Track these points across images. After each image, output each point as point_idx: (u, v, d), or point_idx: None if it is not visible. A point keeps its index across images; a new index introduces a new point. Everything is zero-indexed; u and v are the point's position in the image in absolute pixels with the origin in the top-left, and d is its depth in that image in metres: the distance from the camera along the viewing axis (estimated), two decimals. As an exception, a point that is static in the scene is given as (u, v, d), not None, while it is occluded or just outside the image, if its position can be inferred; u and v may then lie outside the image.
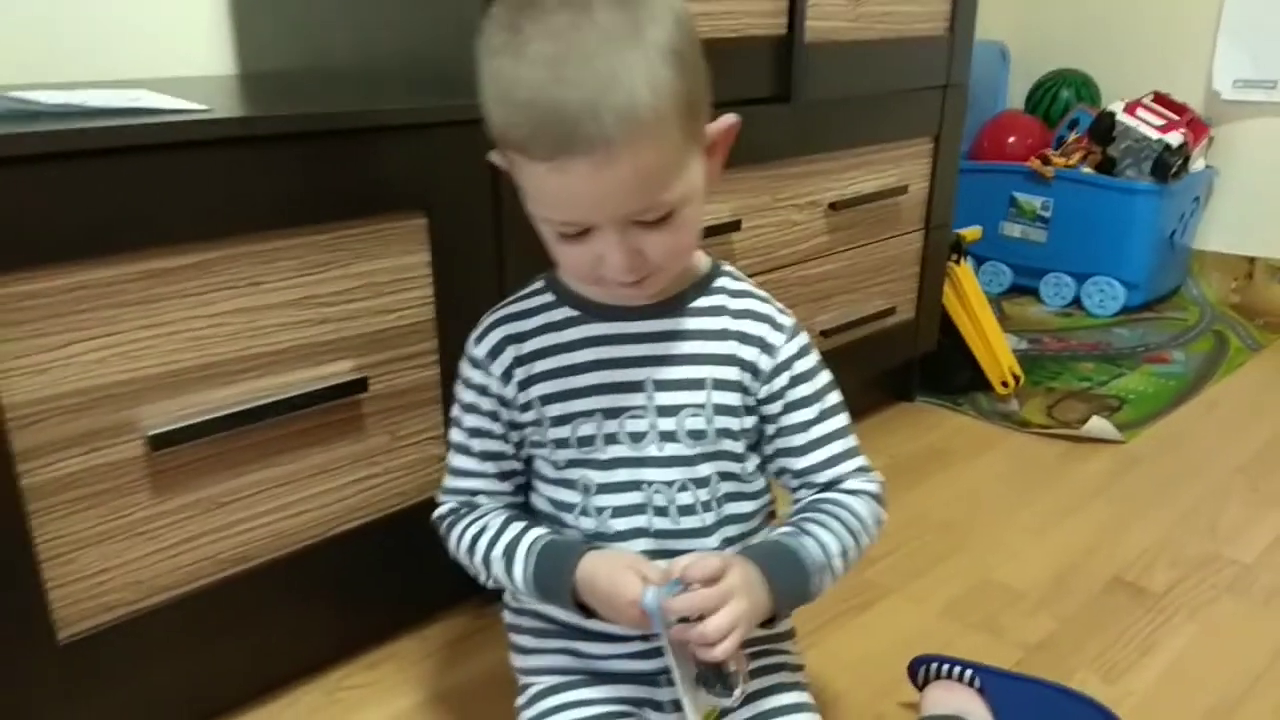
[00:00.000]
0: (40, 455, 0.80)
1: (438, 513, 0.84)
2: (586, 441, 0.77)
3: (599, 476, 0.78)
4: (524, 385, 0.78)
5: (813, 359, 0.80)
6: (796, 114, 1.32)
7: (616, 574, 0.71)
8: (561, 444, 0.78)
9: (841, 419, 0.81)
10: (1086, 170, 2.30)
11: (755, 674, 0.82)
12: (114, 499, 0.85)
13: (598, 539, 0.78)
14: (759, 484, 0.82)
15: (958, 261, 1.78)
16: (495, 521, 0.80)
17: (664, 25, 0.63)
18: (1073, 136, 2.38)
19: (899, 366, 1.76)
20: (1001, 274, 2.48)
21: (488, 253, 1.04)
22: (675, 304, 0.78)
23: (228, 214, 0.85)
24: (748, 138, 0.74)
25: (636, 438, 0.77)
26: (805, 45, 1.29)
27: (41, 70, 1.17)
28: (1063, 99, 2.53)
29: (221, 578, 0.94)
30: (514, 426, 0.80)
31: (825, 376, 0.81)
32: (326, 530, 1.01)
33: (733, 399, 0.78)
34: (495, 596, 1.06)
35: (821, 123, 1.38)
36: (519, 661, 0.87)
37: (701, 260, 0.81)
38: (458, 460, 0.83)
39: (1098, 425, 1.65)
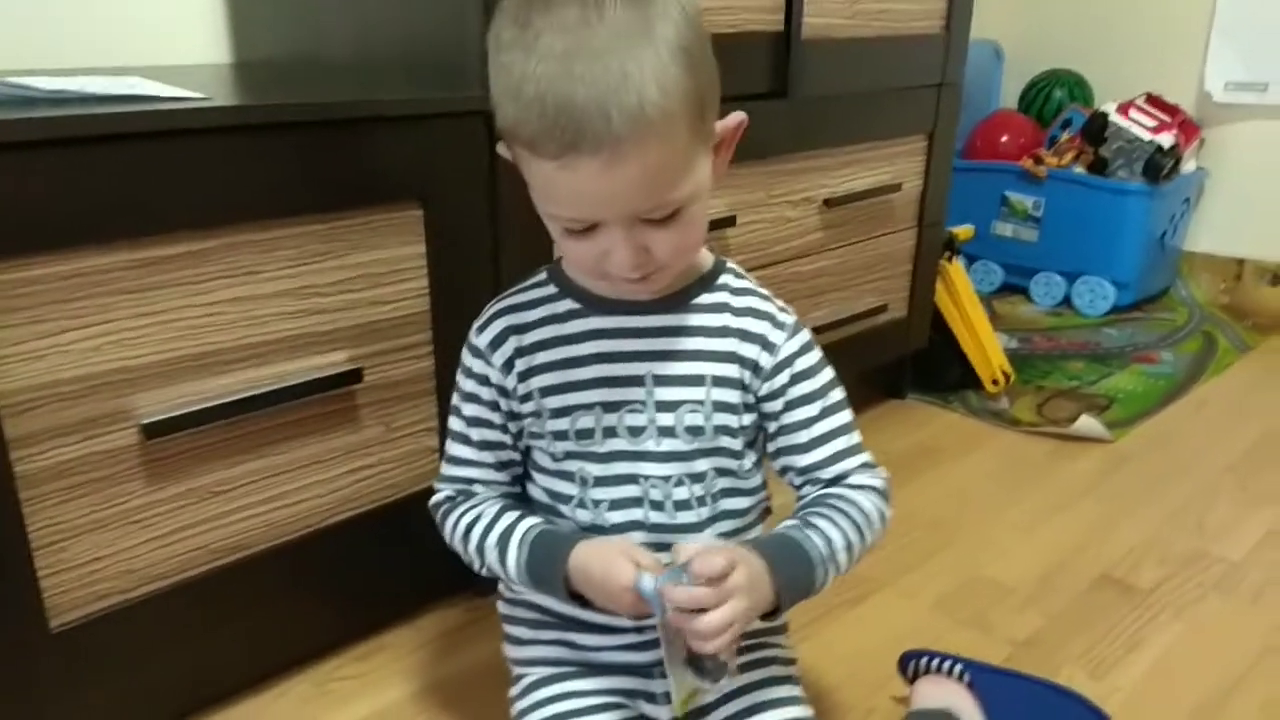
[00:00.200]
0: (34, 443, 0.80)
1: (434, 500, 0.85)
2: (585, 434, 0.78)
3: (596, 469, 0.78)
4: (524, 376, 0.78)
5: (814, 356, 0.80)
6: (792, 110, 1.32)
7: (610, 560, 0.71)
8: (560, 436, 0.78)
9: (844, 415, 0.81)
10: (1078, 170, 2.31)
11: (746, 668, 0.83)
12: (108, 487, 0.85)
13: (594, 531, 0.78)
14: (755, 481, 0.83)
15: (950, 260, 1.79)
16: (490, 510, 0.80)
17: (674, 22, 0.63)
18: (1065, 136, 2.39)
19: (890, 364, 1.76)
20: (992, 273, 2.49)
21: (484, 244, 1.04)
22: (678, 300, 0.78)
23: (224, 203, 0.85)
24: (744, 133, 0.74)
25: (635, 432, 0.77)
26: (802, 41, 1.29)
27: (37, 57, 1.17)
28: (1056, 99, 2.54)
29: (214, 567, 0.94)
30: (513, 417, 0.80)
31: (828, 373, 0.81)
32: (320, 521, 1.01)
33: (732, 396, 0.78)
34: (489, 588, 1.06)
35: (817, 119, 1.38)
36: (513, 652, 0.87)
37: (705, 256, 0.81)
38: (456, 449, 0.83)
39: (1087, 424, 1.66)
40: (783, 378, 0.78)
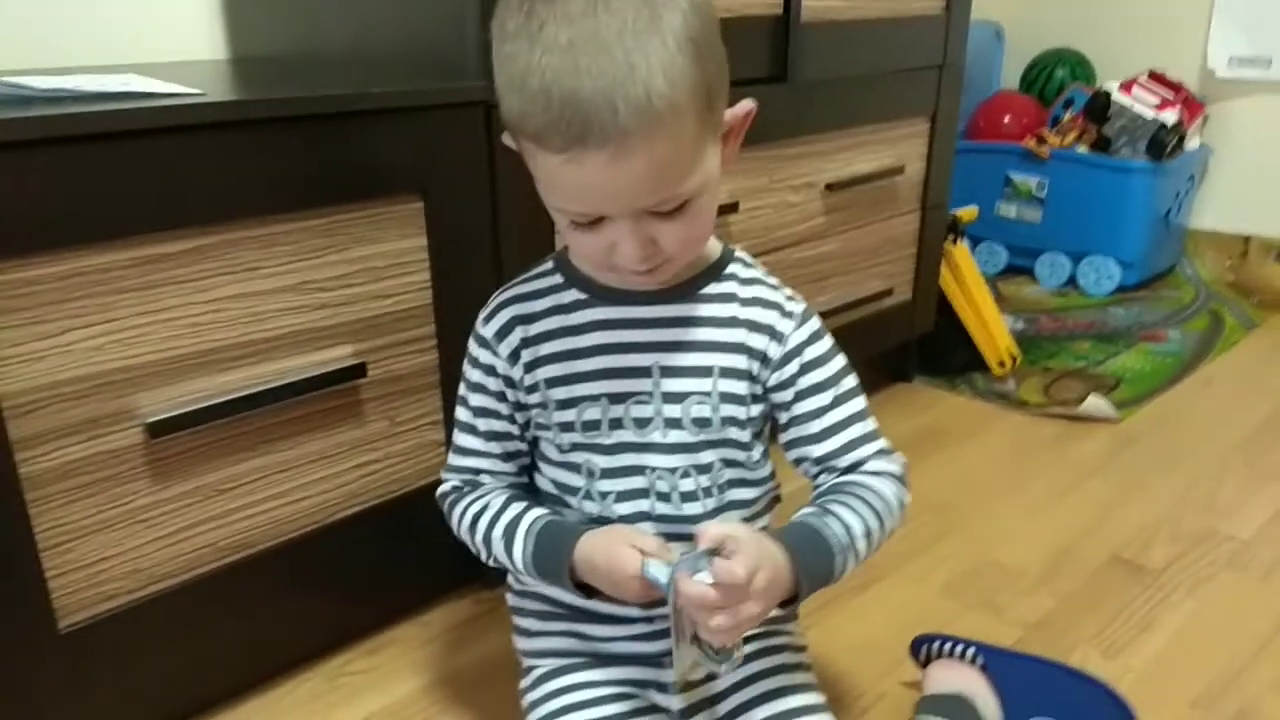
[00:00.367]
0: (38, 444, 0.79)
1: (441, 490, 0.84)
2: (591, 426, 0.77)
3: (603, 461, 0.78)
4: (530, 367, 0.78)
5: (825, 344, 0.79)
6: (793, 94, 1.31)
7: (614, 550, 0.71)
8: (566, 427, 0.78)
9: (858, 403, 0.80)
10: (1082, 149, 2.30)
11: (757, 655, 0.83)
12: (113, 487, 0.85)
13: (601, 523, 0.78)
14: (764, 471, 0.82)
15: (954, 242, 1.78)
16: (496, 501, 0.80)
17: (682, 11, 0.62)
18: (1068, 116, 2.37)
19: (896, 348, 1.76)
20: (997, 254, 2.47)
21: (485, 236, 1.03)
22: (686, 290, 0.77)
23: (223, 199, 0.85)
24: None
25: (641, 423, 0.77)
26: (801, 25, 1.28)
27: (32, 56, 1.16)
28: (1058, 78, 2.52)
29: (221, 565, 0.94)
30: (520, 407, 0.80)
31: (839, 361, 0.80)
32: (326, 517, 1.00)
33: (740, 387, 0.77)
34: (497, 580, 1.06)
35: (818, 103, 1.37)
36: (523, 644, 0.87)
37: (713, 245, 0.80)
38: (463, 439, 0.82)
39: (1094, 404, 1.66)
40: (792, 367, 0.78)
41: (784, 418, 0.80)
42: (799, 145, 1.38)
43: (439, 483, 0.85)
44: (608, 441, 0.77)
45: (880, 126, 1.50)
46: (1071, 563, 1.24)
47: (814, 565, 0.72)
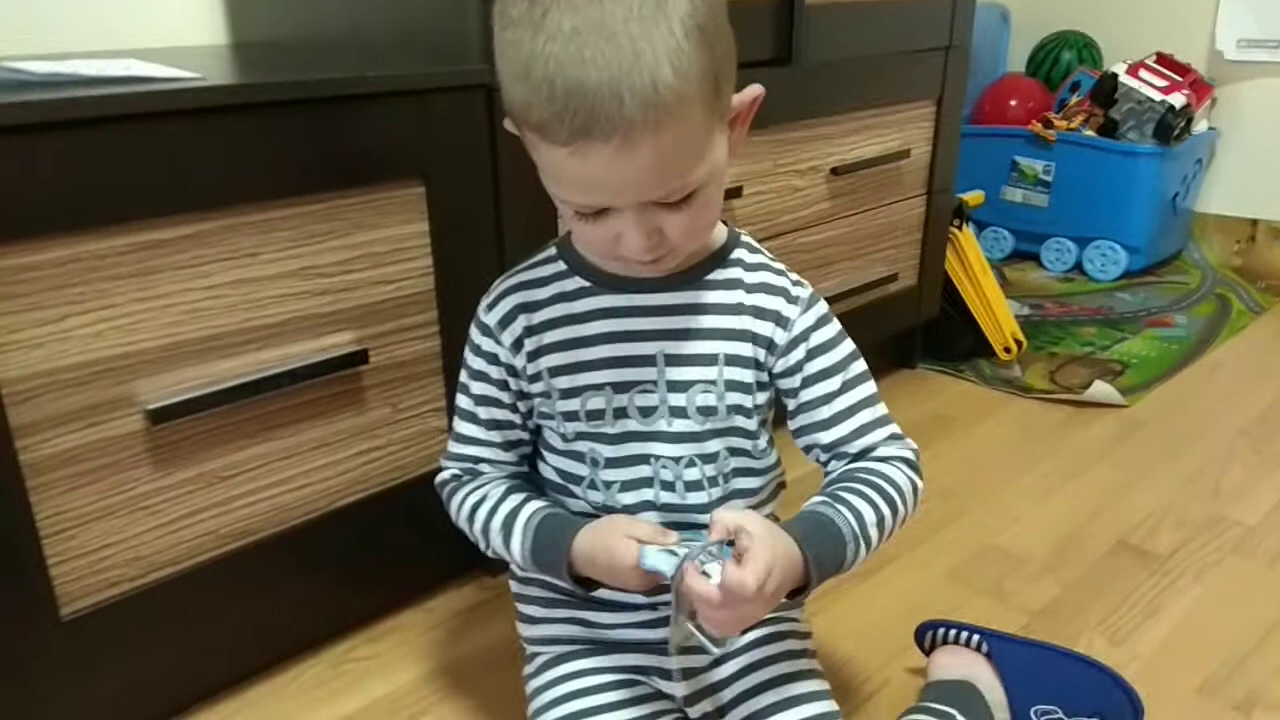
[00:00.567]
0: (38, 431, 0.79)
1: (440, 478, 0.84)
2: (595, 415, 0.76)
3: (607, 450, 0.77)
4: (533, 356, 0.77)
5: (832, 329, 0.78)
6: (798, 76, 1.30)
7: (611, 543, 0.70)
8: (570, 417, 0.77)
9: (867, 388, 0.79)
10: (1088, 133, 2.28)
11: (762, 641, 0.82)
12: (114, 474, 0.84)
13: (605, 512, 0.77)
14: (769, 459, 0.81)
15: (960, 227, 1.77)
16: (496, 491, 0.80)
17: None
18: (1074, 99, 2.36)
19: (901, 333, 1.75)
20: (1003, 239, 2.46)
21: (488, 221, 1.03)
22: (690, 277, 0.76)
23: (223, 184, 0.84)
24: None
25: (646, 412, 0.76)
26: (806, 6, 1.27)
27: (32, 41, 1.15)
28: (1064, 61, 2.50)
29: (223, 552, 0.93)
30: (523, 396, 0.79)
31: (847, 346, 0.79)
32: (329, 504, 1.00)
33: (745, 375, 0.76)
34: (500, 567, 1.06)
35: (823, 85, 1.36)
36: (526, 631, 0.87)
37: (719, 230, 0.78)
38: (463, 427, 0.82)
39: (1100, 389, 1.65)
40: (798, 353, 0.77)
41: (792, 404, 0.79)
42: (804, 129, 1.37)
43: (440, 470, 0.84)
44: (612, 431, 0.76)
45: (886, 109, 1.49)
46: (1077, 548, 1.24)
47: (825, 556, 0.71)
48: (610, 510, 0.77)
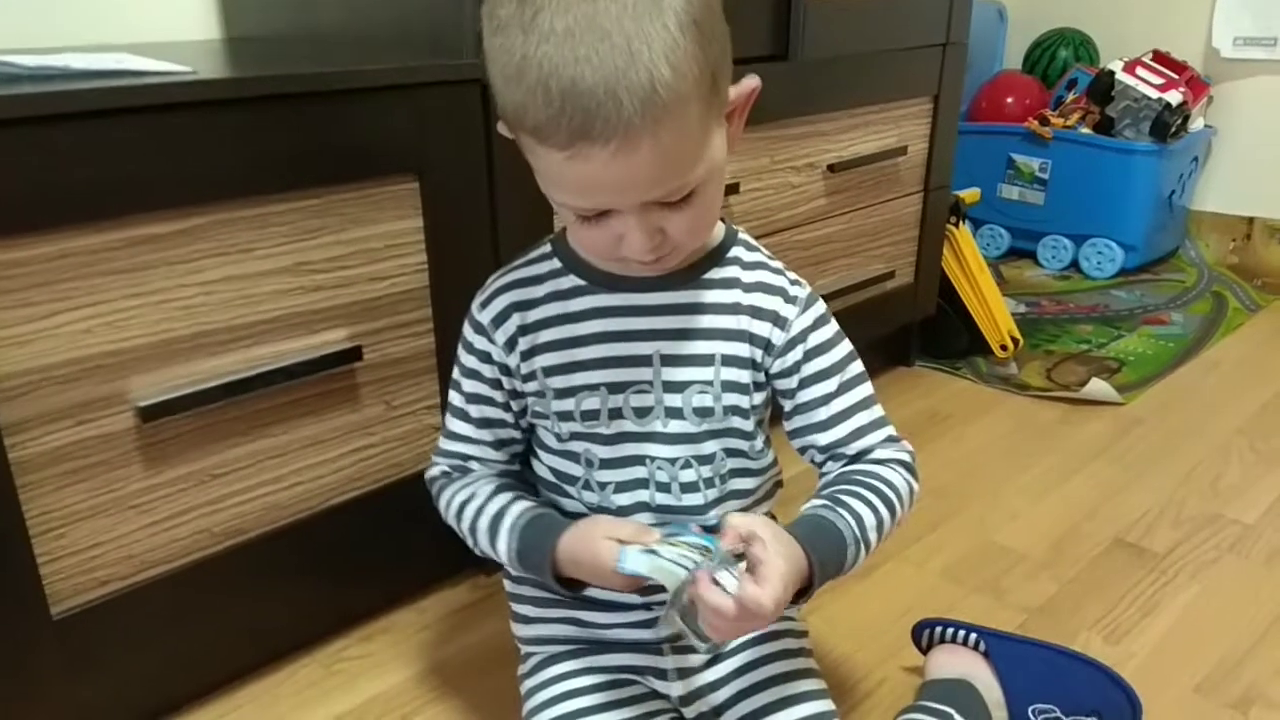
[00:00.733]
0: (28, 428, 0.78)
1: (429, 474, 0.83)
2: (590, 415, 0.75)
3: (602, 451, 0.76)
4: (527, 355, 0.76)
5: (829, 330, 0.78)
6: (795, 73, 1.29)
7: (595, 549, 0.69)
8: (565, 417, 0.76)
9: (864, 389, 0.78)
10: (1085, 131, 2.28)
11: (759, 640, 0.82)
12: (105, 472, 0.83)
13: (600, 513, 0.77)
14: (766, 460, 0.81)
15: (957, 224, 1.76)
16: (484, 490, 0.79)
17: None
18: (1071, 97, 2.35)
19: (898, 331, 1.74)
20: (999, 237, 2.46)
21: (482, 216, 1.02)
22: (688, 276, 0.75)
23: (215, 178, 0.83)
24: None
25: (641, 413, 0.75)
26: (803, 1, 1.26)
27: (21, 35, 1.14)
28: (1061, 59, 2.50)
29: (216, 551, 0.93)
30: (516, 395, 0.78)
31: (845, 347, 0.78)
32: (322, 502, 0.99)
33: (742, 376, 0.75)
34: (494, 567, 1.05)
35: (820, 81, 1.35)
36: (520, 631, 0.86)
37: (717, 228, 0.77)
38: (454, 424, 0.81)
39: (1097, 387, 1.65)
40: (795, 354, 0.76)
41: (788, 405, 0.78)
42: (801, 125, 1.36)
43: (431, 466, 0.84)
44: (607, 431, 0.76)
45: (883, 106, 1.49)
46: (1074, 546, 1.24)
47: (827, 561, 0.70)
48: (605, 511, 0.77)
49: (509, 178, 1.00)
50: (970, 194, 1.84)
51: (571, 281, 0.76)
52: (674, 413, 0.75)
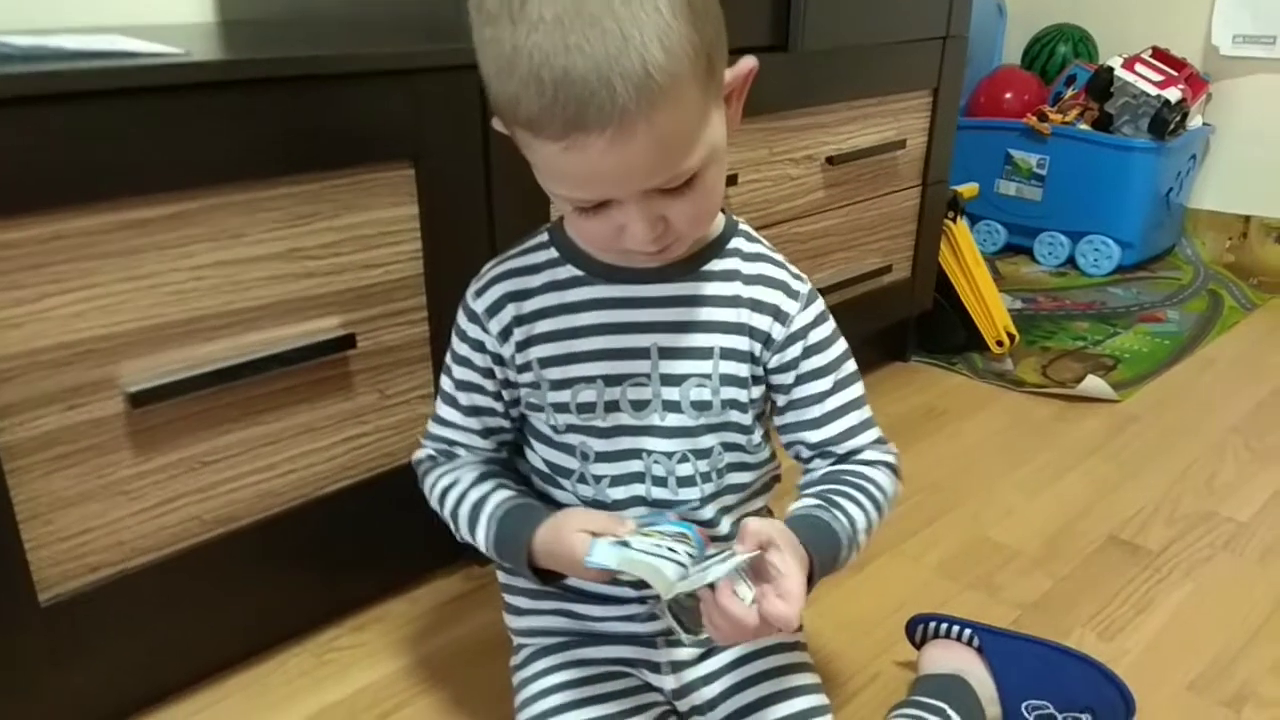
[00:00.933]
0: (17, 412, 0.77)
1: (416, 456, 0.83)
2: (586, 408, 0.75)
3: (598, 444, 0.75)
4: (523, 346, 0.75)
5: (828, 327, 0.77)
6: (794, 64, 1.29)
7: (566, 537, 0.69)
8: (560, 408, 0.75)
9: (857, 389, 0.78)
10: (1083, 127, 2.27)
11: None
12: (94, 458, 0.83)
13: (595, 506, 0.76)
14: (764, 454, 0.80)
15: (954, 219, 1.76)
16: (467, 477, 0.78)
17: None
18: (1070, 93, 2.35)
19: (894, 325, 1.74)
20: (996, 233, 2.45)
21: (479, 204, 1.01)
22: (687, 267, 0.74)
23: (207, 162, 0.82)
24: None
25: (638, 406, 0.74)
26: (804, -7, 1.26)
27: (14, 16, 1.13)
28: (1060, 54, 2.49)
29: (207, 539, 0.92)
30: (508, 385, 0.78)
31: (840, 345, 0.78)
32: (314, 490, 0.99)
33: (741, 369, 0.75)
34: (487, 557, 1.05)
35: (820, 73, 1.35)
36: (513, 622, 0.86)
37: (717, 219, 0.76)
38: (443, 409, 0.81)
39: (1093, 384, 1.64)
40: (795, 350, 0.75)
41: (782, 400, 0.77)
42: (800, 117, 1.35)
43: (419, 445, 0.83)
44: (603, 424, 0.75)
45: (882, 99, 1.48)
46: (1068, 543, 1.23)
47: (825, 563, 0.70)
48: (600, 505, 0.76)
49: (505, 165, 0.99)
50: (968, 189, 1.84)
51: (569, 272, 0.75)
52: (671, 406, 0.74)
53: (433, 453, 0.82)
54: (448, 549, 1.14)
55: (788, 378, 0.76)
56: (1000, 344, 1.80)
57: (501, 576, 0.86)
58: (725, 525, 0.79)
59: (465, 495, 0.77)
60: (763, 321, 0.75)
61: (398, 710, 0.96)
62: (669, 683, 0.81)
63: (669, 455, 0.75)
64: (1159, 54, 2.26)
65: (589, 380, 0.74)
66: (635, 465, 0.75)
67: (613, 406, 0.74)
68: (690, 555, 0.66)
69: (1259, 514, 1.30)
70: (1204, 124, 2.35)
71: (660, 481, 0.76)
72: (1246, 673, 1.00)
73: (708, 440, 0.76)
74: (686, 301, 0.74)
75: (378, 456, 1.03)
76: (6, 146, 0.71)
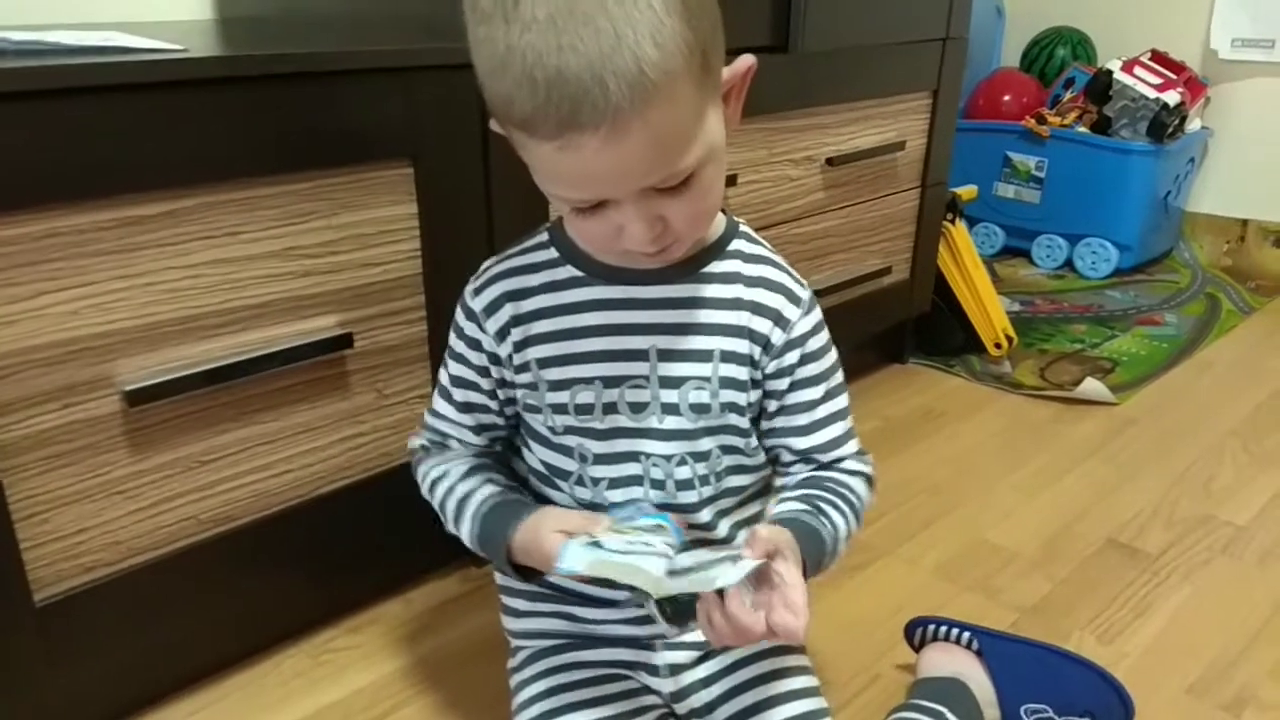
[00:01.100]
0: (12, 411, 0.77)
1: (411, 443, 0.83)
2: (584, 409, 0.74)
3: (596, 446, 0.75)
4: (520, 346, 0.74)
5: (824, 336, 0.77)
6: (794, 65, 1.28)
7: (541, 537, 0.68)
8: (559, 409, 0.75)
9: (844, 399, 0.79)
10: (1082, 130, 2.27)
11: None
12: (90, 457, 0.82)
13: (593, 509, 0.75)
14: (761, 457, 0.80)
15: (953, 221, 1.76)
16: (457, 470, 0.78)
17: None
18: (1068, 95, 2.35)
19: (892, 327, 1.73)
20: (993, 235, 2.45)
21: (477, 203, 1.01)
22: (687, 268, 0.73)
23: (204, 159, 0.82)
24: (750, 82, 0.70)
25: (637, 408, 0.74)
26: (804, -7, 1.25)
27: (10, 12, 1.12)
28: (1059, 57, 2.49)
29: (203, 538, 0.91)
30: (503, 384, 0.77)
31: (833, 354, 0.78)
32: (311, 490, 0.98)
33: (740, 372, 0.74)
34: (485, 559, 1.04)
35: (820, 74, 1.34)
36: (511, 624, 0.85)
37: (717, 219, 0.76)
38: (438, 402, 0.81)
39: (1091, 387, 1.64)
40: (792, 356, 0.75)
41: (773, 406, 0.77)
42: (800, 117, 1.35)
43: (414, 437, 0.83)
44: (601, 426, 0.74)
45: (882, 101, 1.48)
46: (1067, 546, 1.23)
47: (810, 567, 0.70)
48: (598, 508, 0.76)
49: (504, 164, 0.98)
50: (967, 191, 1.83)
51: (568, 272, 0.74)
52: (670, 408, 0.74)
53: (426, 443, 0.82)
54: (444, 550, 1.13)
55: (782, 384, 0.76)
56: (998, 346, 1.79)
57: (499, 578, 0.86)
58: (723, 528, 0.78)
59: (453, 489, 0.77)
60: (763, 325, 0.74)
61: (394, 712, 0.95)
62: (667, 686, 0.80)
63: (667, 458, 0.75)
64: (1158, 57, 2.26)
65: (587, 382, 0.74)
66: (634, 468, 0.75)
67: (611, 408, 0.74)
68: (670, 546, 0.65)
69: (1257, 517, 1.30)
70: (1202, 127, 2.36)
71: (659, 484, 0.75)
72: (1246, 676, 1.00)
73: (706, 443, 0.75)
74: (686, 303, 0.74)
75: (375, 457, 1.02)
76: (2, 142, 0.71)
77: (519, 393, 0.77)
